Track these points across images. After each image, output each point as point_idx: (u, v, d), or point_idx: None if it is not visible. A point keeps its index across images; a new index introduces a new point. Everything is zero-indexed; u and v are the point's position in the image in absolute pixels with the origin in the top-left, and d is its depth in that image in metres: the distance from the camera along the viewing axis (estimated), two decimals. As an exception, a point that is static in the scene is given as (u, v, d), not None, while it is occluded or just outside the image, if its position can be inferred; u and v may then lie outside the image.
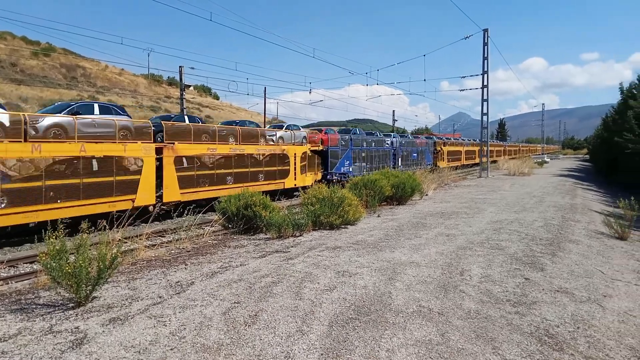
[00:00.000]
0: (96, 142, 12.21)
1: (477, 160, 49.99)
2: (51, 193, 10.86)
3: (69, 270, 4.40)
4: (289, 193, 20.62)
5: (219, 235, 9.32)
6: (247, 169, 17.69)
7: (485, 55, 28.09)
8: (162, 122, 15.31)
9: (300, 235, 8.52)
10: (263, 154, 18.73)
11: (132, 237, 8.29)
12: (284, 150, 19.95)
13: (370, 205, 11.97)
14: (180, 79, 27.02)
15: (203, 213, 13.61)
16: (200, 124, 18.12)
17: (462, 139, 54.82)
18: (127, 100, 47.18)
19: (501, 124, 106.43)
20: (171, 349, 3.54)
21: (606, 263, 6.69)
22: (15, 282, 6.45)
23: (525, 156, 56.75)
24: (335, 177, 22.96)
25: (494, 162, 46.34)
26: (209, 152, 16.03)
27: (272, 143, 20.09)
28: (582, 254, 7.16)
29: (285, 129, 22.46)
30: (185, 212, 10.99)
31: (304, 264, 6.17)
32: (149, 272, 6.02)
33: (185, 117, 18.62)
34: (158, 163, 13.99)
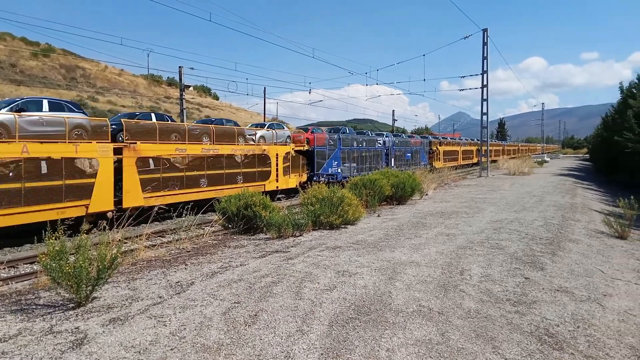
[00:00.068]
0: (41, 142, 11.07)
1: (474, 160, 49.62)
2: None
3: (69, 271, 4.40)
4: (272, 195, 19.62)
5: (219, 235, 9.32)
6: (222, 171, 16.51)
7: (485, 55, 28.10)
8: (122, 120, 14.04)
9: (300, 235, 8.52)
10: (241, 155, 17.63)
11: (132, 237, 8.29)
12: (265, 150, 18.85)
13: (370, 205, 11.97)
14: (180, 79, 27.02)
15: (202, 213, 13.58)
16: (169, 122, 16.71)
17: (462, 139, 54.49)
18: (127, 101, 47.21)
19: (501, 124, 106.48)
20: (171, 349, 3.54)
21: (606, 262, 6.69)
22: (16, 282, 6.45)
23: (525, 156, 56.68)
24: (323, 179, 21.25)
25: (494, 161, 46.18)
26: (178, 153, 14.85)
27: (252, 143, 19.04)
28: (582, 253, 7.16)
29: (268, 127, 21.34)
30: (185, 212, 10.81)
31: (304, 263, 6.17)
32: (149, 272, 6.02)
33: (152, 115, 17.03)
34: (118, 165, 12.99)
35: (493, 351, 3.53)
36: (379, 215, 11.22)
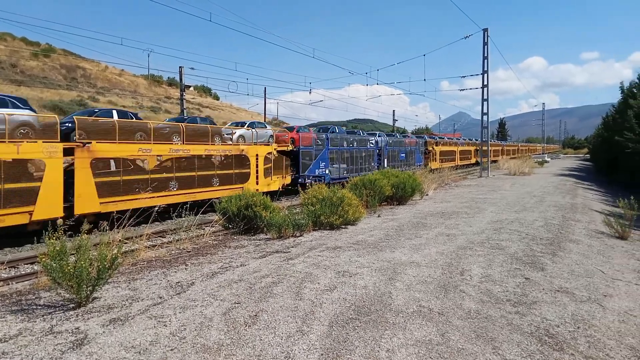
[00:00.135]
0: None
1: (473, 161, 49.15)
2: None
3: (70, 271, 4.41)
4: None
5: (219, 235, 9.33)
6: (194, 173, 15.29)
7: (485, 55, 28.10)
8: (74, 117, 12.58)
9: (301, 236, 8.52)
10: (216, 155, 16.46)
11: (133, 237, 8.29)
12: (243, 150, 17.62)
13: (370, 205, 11.97)
14: (180, 79, 27.06)
15: (202, 213, 13.56)
16: (132, 120, 15.31)
17: (460, 139, 54.19)
18: (127, 101, 47.24)
19: (501, 124, 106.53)
20: (171, 350, 3.54)
21: (606, 263, 6.68)
22: (16, 283, 6.46)
23: (525, 156, 56.56)
24: (309, 181, 20.47)
25: (494, 161, 46.01)
26: (142, 154, 13.68)
27: (231, 143, 17.83)
28: (583, 253, 7.16)
29: (248, 126, 20.04)
30: (184, 213, 10.74)
31: (304, 264, 6.17)
32: (149, 272, 6.02)
33: (114, 112, 15.60)
34: (71, 167, 12.00)
35: (493, 352, 3.53)
36: (379, 216, 11.22)
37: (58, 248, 4.57)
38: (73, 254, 4.74)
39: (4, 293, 5.27)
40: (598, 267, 6.32)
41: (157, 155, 14.38)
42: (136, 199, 12.98)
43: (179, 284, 5.38)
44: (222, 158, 16.92)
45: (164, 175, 14.40)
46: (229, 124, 22.63)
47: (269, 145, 19.49)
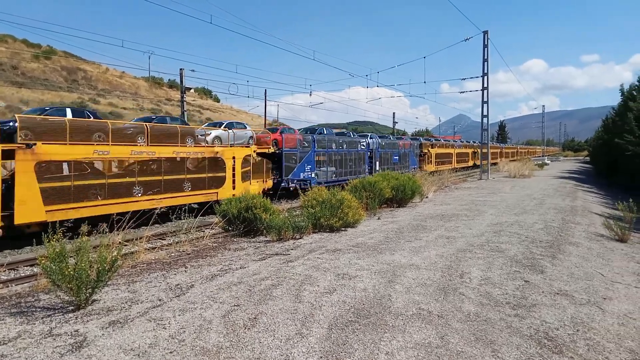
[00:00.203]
0: None
1: (470, 164, 48.80)
2: None
3: (69, 273, 4.41)
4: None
5: (219, 237, 9.33)
6: (160, 177, 14.01)
7: (485, 57, 28.15)
8: (16, 115, 11.43)
9: (301, 238, 8.52)
10: (187, 158, 15.27)
11: (133, 239, 8.30)
12: (218, 152, 16.32)
13: (370, 208, 11.98)
14: (181, 81, 27.12)
15: (202, 215, 13.54)
16: (90, 119, 14.06)
17: (458, 142, 54.06)
18: (128, 103, 47.32)
19: (501, 126, 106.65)
20: (170, 352, 3.54)
21: (606, 265, 6.68)
22: (16, 285, 6.47)
23: (525, 158, 56.43)
24: (293, 185, 19.73)
25: (494, 164, 45.88)
26: (98, 156, 12.36)
27: (205, 144, 16.61)
28: (582, 256, 7.16)
29: (225, 127, 18.62)
30: (184, 215, 10.68)
31: (304, 266, 6.17)
32: (148, 274, 6.02)
33: (68, 111, 14.25)
34: (10, 172, 10.93)
35: (492, 355, 3.52)
36: (379, 218, 11.22)
37: (58, 250, 4.57)
38: (72, 257, 4.74)
39: (3, 295, 5.27)
40: (598, 270, 6.32)
41: (117, 158, 13.35)
42: (91, 205, 11.92)
43: (179, 286, 5.37)
44: (195, 161, 15.94)
45: (126, 179, 13.11)
46: (205, 124, 21.32)
47: (248, 147, 18.32)
